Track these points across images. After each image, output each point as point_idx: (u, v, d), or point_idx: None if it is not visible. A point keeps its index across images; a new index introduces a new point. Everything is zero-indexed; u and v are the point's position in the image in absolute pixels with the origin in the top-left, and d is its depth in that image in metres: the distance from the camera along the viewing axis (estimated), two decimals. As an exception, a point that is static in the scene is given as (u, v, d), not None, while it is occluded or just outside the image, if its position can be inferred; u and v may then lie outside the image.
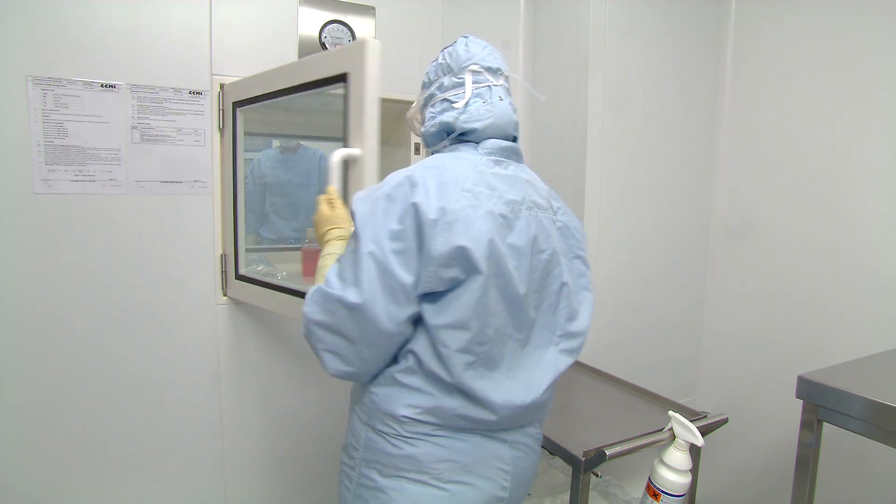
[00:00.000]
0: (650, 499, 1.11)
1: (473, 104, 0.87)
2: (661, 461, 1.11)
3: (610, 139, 1.67)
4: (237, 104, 1.38)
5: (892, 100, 1.43)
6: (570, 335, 0.90)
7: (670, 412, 1.15)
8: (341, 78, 1.06)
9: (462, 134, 0.88)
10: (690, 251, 1.91)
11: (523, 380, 0.85)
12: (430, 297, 0.79)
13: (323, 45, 1.54)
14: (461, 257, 0.76)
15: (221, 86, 1.43)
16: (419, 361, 0.81)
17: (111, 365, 1.38)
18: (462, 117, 0.87)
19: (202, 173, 1.44)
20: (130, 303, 1.39)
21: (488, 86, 0.88)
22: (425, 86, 0.96)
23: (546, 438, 1.18)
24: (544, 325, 0.88)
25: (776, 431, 1.70)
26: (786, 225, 1.69)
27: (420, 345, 0.81)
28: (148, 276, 1.40)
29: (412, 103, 1.03)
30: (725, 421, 1.24)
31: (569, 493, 1.41)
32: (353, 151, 1.02)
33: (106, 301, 1.36)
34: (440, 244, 0.75)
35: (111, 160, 1.34)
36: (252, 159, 1.73)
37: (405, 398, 0.82)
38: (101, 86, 1.31)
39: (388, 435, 0.83)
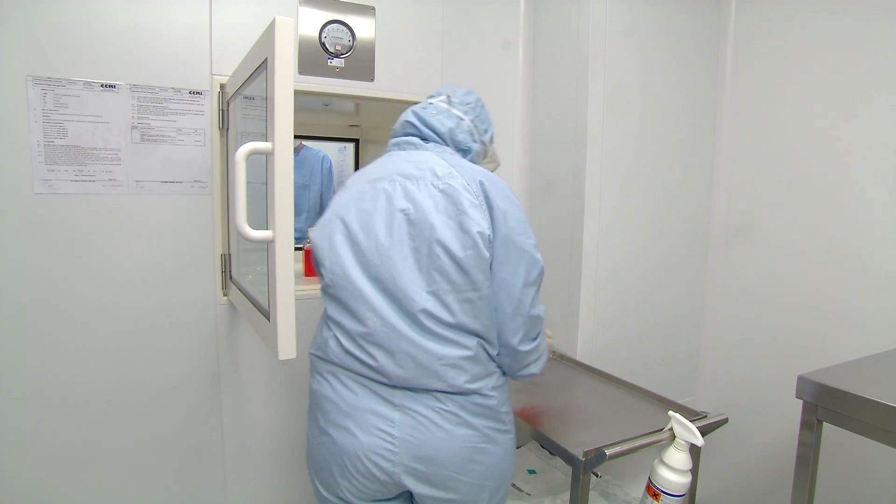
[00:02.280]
0: (650, 499, 1.11)
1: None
2: (661, 461, 1.11)
3: (610, 139, 1.67)
4: (231, 99, 1.37)
5: (893, 100, 1.43)
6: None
7: (670, 412, 1.15)
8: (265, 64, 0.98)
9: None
10: (690, 251, 1.91)
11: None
12: None
13: (323, 46, 1.54)
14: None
15: (221, 86, 1.43)
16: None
17: (111, 365, 1.38)
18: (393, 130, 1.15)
19: (202, 173, 1.44)
20: (130, 303, 1.39)
21: (428, 103, 1.13)
22: None
23: (546, 438, 1.18)
24: (410, 271, 0.94)
25: (776, 431, 1.70)
26: (786, 225, 1.69)
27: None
28: (148, 276, 1.40)
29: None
30: (725, 421, 1.24)
31: (569, 493, 1.42)
32: (262, 145, 0.92)
33: (106, 301, 1.36)
34: None
35: (111, 160, 1.34)
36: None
37: (314, 339, 1.07)
38: (101, 86, 1.31)
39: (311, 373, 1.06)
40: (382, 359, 0.95)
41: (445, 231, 0.93)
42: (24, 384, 1.31)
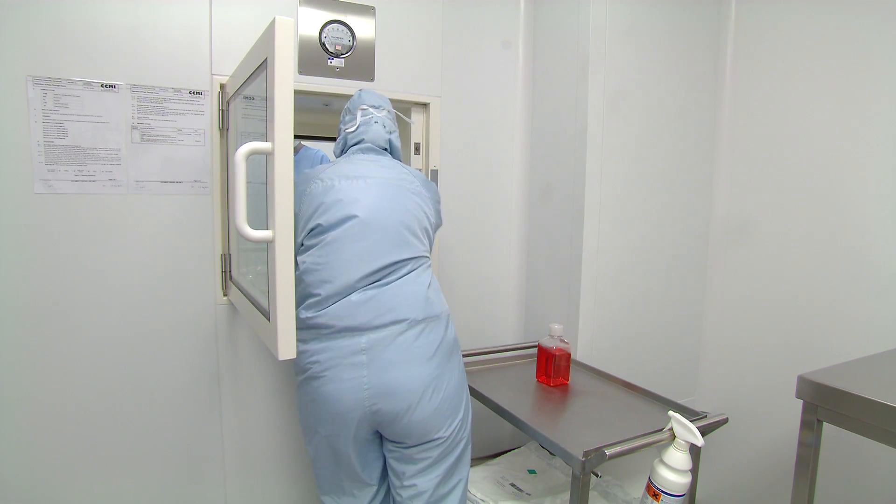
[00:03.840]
0: (650, 499, 1.11)
1: (361, 128, 1.35)
2: (661, 461, 1.11)
3: (610, 139, 1.67)
4: (231, 99, 1.37)
5: (892, 100, 1.43)
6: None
7: (670, 412, 1.15)
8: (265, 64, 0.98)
9: (353, 144, 1.36)
10: (690, 251, 1.91)
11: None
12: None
13: (323, 46, 1.54)
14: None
15: (221, 86, 1.43)
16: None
17: (111, 365, 1.38)
18: (350, 136, 1.36)
19: (202, 173, 1.44)
20: (130, 303, 1.39)
21: (371, 116, 1.35)
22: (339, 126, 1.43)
23: (546, 438, 1.18)
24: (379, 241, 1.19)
25: (776, 431, 1.70)
26: (786, 225, 1.69)
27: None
28: (148, 276, 1.40)
29: (412, 103, 1.45)
30: (725, 421, 1.24)
31: (569, 493, 1.42)
32: (262, 145, 0.93)
33: (106, 301, 1.36)
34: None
35: (111, 160, 1.34)
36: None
37: (303, 302, 1.20)
38: (101, 86, 1.31)
39: (297, 341, 1.14)
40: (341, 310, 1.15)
41: (408, 215, 1.24)
42: (23, 384, 1.31)
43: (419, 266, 1.25)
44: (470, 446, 1.29)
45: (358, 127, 1.34)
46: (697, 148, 1.88)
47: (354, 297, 1.15)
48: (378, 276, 1.18)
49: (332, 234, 1.18)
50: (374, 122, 1.34)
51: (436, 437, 1.18)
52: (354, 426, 1.17)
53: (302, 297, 1.20)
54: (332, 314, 1.15)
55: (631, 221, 1.76)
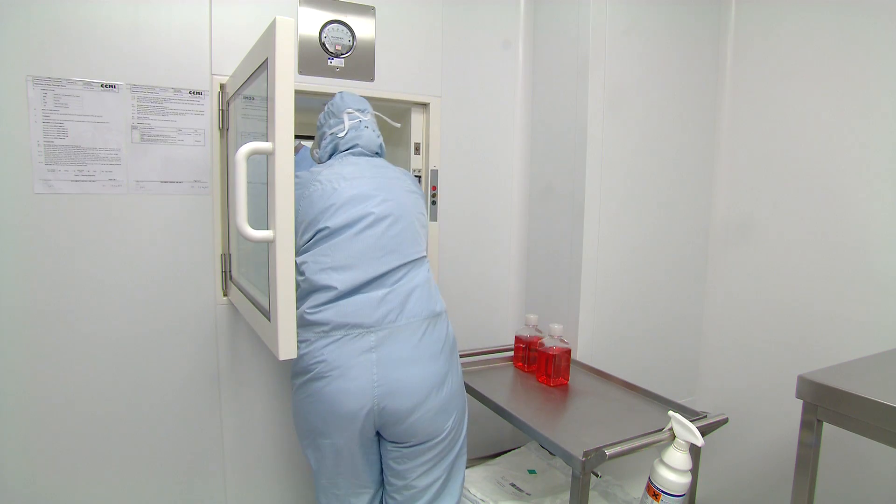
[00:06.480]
0: (650, 499, 1.11)
1: (351, 133, 1.35)
2: (661, 461, 1.11)
3: (610, 139, 1.67)
4: (231, 99, 1.37)
5: (892, 100, 1.43)
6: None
7: (670, 412, 1.15)
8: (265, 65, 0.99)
9: (346, 149, 1.36)
10: (690, 251, 1.91)
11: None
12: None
13: (323, 46, 1.54)
14: None
15: (221, 86, 1.43)
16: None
17: (111, 365, 1.38)
18: (341, 141, 1.35)
19: (202, 173, 1.44)
20: (130, 303, 1.39)
21: (360, 121, 1.36)
22: (318, 128, 1.42)
23: (546, 438, 1.18)
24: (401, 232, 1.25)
25: (776, 431, 1.70)
26: (786, 225, 1.69)
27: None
28: (148, 277, 1.40)
29: (412, 102, 1.47)
30: (725, 421, 1.24)
31: (569, 493, 1.42)
32: (262, 145, 0.93)
33: (106, 301, 1.36)
34: None
35: (111, 160, 1.34)
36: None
37: (307, 301, 1.18)
38: (101, 86, 1.31)
39: (299, 342, 1.14)
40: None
41: (415, 209, 1.30)
42: (24, 385, 1.31)
43: (425, 263, 1.29)
44: (466, 443, 1.30)
45: (348, 132, 1.34)
46: (697, 148, 1.88)
47: (365, 294, 1.17)
48: (392, 274, 1.20)
49: (346, 233, 1.19)
50: (364, 127, 1.36)
51: (437, 435, 1.20)
52: (360, 424, 1.16)
53: (305, 294, 1.19)
54: (342, 311, 1.15)
55: (631, 221, 1.76)
